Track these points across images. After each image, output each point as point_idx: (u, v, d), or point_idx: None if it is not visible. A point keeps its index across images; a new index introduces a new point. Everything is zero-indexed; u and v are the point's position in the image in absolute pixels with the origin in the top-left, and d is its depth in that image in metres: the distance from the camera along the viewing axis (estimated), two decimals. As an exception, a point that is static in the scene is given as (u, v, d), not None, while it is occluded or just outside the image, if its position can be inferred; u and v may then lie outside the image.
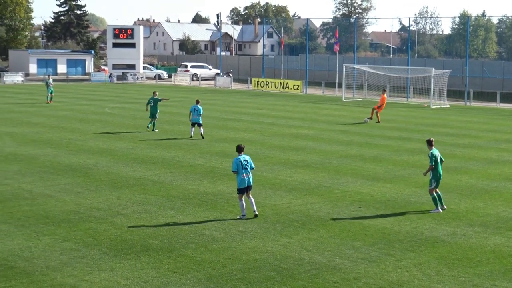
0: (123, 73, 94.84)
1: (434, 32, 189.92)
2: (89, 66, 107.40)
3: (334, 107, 59.86)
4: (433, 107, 60.75)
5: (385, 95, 47.97)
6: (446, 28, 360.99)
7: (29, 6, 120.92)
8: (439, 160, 21.54)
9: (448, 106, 61.87)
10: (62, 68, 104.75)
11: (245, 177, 20.08)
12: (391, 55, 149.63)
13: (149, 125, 40.17)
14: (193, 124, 37.47)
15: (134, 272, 15.56)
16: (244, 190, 20.20)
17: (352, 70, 73.69)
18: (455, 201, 23.12)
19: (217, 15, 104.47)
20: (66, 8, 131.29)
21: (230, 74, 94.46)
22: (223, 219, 20.24)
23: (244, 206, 20.29)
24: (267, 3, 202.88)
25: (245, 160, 20.14)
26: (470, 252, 17.44)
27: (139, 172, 27.43)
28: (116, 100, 62.96)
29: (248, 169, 20.17)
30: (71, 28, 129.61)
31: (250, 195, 20.44)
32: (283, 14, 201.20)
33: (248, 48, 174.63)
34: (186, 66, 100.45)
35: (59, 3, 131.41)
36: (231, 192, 23.84)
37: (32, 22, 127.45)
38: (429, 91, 63.40)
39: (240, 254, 16.92)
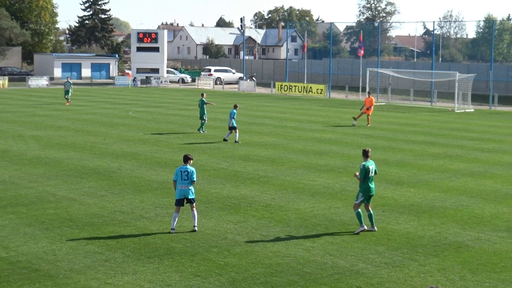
0: (147, 77, 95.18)
1: (458, 36, 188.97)
2: (113, 70, 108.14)
3: (357, 111, 59.50)
4: (458, 111, 60.42)
5: (371, 97, 48.56)
6: (470, 32, 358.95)
7: (54, 10, 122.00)
8: (372, 174, 19.43)
9: (473, 110, 61.53)
10: (86, 72, 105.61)
11: (182, 189, 18.97)
12: (415, 59, 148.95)
13: (203, 129, 41.00)
14: (230, 129, 37.39)
15: (157, 275, 15.60)
16: (180, 202, 19.09)
17: (376, 74, 73.55)
18: (480, 206, 22.96)
19: (241, 19, 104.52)
20: (91, 12, 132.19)
21: (253, 78, 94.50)
22: (246, 223, 20.25)
23: (176, 220, 19.25)
24: (290, 7, 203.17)
25: (185, 171, 18.92)
26: (495, 257, 17.31)
27: (163, 175, 27.50)
28: (139, 104, 63.22)
29: (188, 181, 19.01)
30: (95, 32, 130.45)
31: (194, 208, 19.31)
32: (307, 18, 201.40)
33: (271, 52, 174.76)
34: (209, 70, 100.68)
35: (84, 8, 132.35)
36: (254, 196, 23.85)
37: (57, 26, 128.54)
38: (453, 95, 63.07)
39: (263, 258, 16.90)
